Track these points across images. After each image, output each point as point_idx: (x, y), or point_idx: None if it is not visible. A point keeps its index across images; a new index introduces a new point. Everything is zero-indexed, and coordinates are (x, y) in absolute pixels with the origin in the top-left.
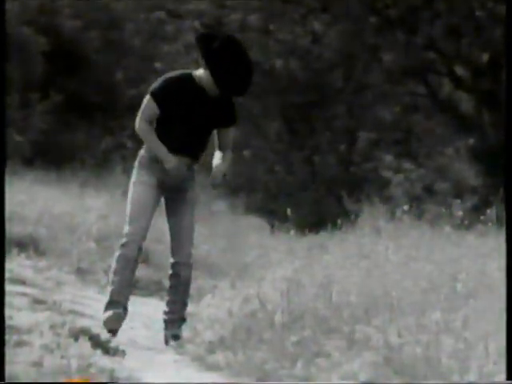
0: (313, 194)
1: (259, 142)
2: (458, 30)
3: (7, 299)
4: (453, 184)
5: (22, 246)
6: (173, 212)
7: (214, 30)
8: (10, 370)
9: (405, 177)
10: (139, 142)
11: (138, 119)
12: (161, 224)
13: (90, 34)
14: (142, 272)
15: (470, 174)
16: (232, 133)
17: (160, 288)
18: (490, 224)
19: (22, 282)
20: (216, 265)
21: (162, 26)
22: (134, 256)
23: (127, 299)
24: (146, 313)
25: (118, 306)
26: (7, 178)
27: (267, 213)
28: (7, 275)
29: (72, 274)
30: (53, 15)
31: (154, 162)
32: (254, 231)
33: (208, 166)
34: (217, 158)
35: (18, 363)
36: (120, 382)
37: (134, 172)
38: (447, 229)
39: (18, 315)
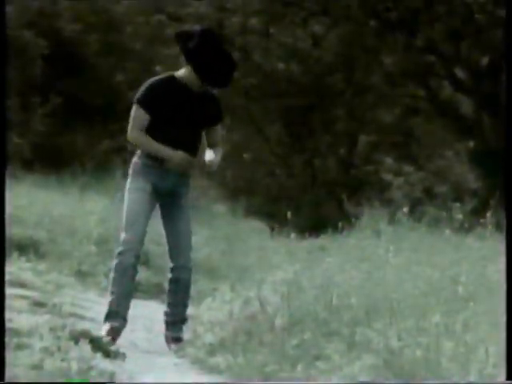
0: (313, 197)
1: (259, 144)
2: (458, 33)
3: (7, 302)
4: (453, 187)
5: (22, 248)
6: (169, 218)
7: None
8: (10, 372)
9: (405, 180)
10: None
11: (129, 130)
12: (161, 227)
13: (89, 37)
14: (142, 275)
15: (470, 177)
16: (220, 130)
17: (160, 290)
18: (489, 227)
19: (22, 285)
20: (216, 268)
21: (162, 29)
22: (132, 263)
23: (127, 309)
24: (147, 315)
25: (116, 317)
26: (7, 181)
27: (267, 216)
28: (7, 278)
29: (72, 277)
30: (53, 18)
31: (148, 167)
32: (254, 234)
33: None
34: (208, 154)
35: (18, 366)
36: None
37: (129, 180)
38: (447, 232)
39: (18, 318)
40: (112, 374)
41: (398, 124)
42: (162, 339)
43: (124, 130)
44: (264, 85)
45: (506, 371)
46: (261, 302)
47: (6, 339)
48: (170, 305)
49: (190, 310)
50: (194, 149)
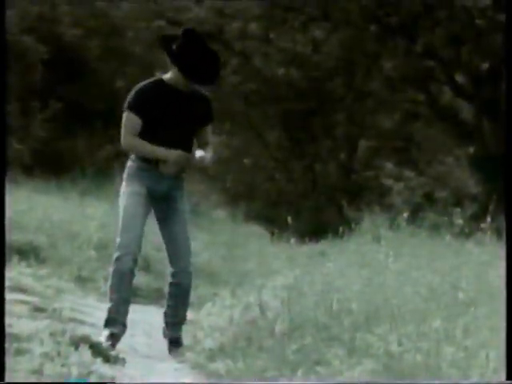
0: (313, 202)
1: (259, 149)
2: (458, 38)
3: (7, 307)
4: (453, 192)
5: (23, 254)
6: (165, 222)
7: (215, 38)
8: (10, 377)
9: (405, 185)
10: None
11: (122, 137)
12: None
13: (90, 42)
14: (142, 280)
15: (470, 183)
16: (210, 130)
17: (160, 296)
18: (489, 232)
19: (23, 290)
20: (216, 273)
21: (162, 34)
22: (130, 268)
23: (126, 315)
24: (147, 320)
25: (115, 323)
26: (7, 186)
27: (267, 221)
28: (7, 283)
29: (72, 282)
30: (53, 23)
31: (142, 171)
32: (254, 239)
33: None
34: (199, 152)
35: (18, 371)
36: None
37: (123, 184)
38: (447, 237)
39: (18, 323)
40: (112, 379)
41: (398, 129)
42: (162, 344)
43: None
44: (264, 90)
45: (506, 371)
46: (261, 307)
47: (6, 344)
48: (169, 307)
49: (190, 315)
50: (187, 149)
